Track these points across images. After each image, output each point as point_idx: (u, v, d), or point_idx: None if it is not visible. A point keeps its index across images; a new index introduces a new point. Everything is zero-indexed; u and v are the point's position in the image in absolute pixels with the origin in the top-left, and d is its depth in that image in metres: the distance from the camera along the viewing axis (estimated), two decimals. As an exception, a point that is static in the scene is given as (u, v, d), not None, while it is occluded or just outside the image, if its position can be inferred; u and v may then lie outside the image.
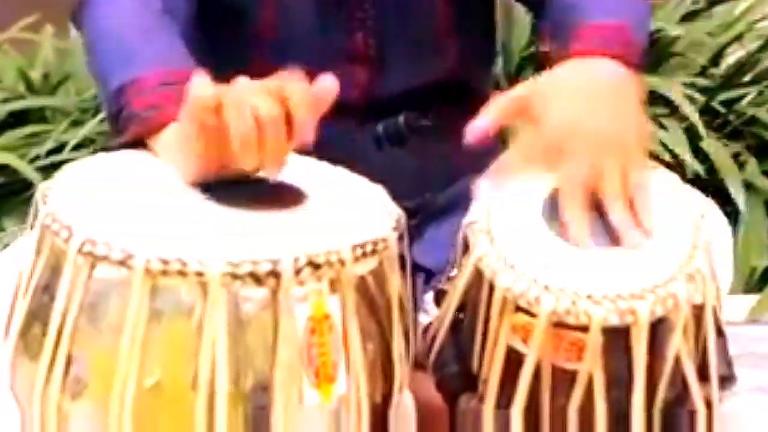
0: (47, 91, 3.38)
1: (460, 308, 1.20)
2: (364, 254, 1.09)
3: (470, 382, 1.17)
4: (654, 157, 2.72)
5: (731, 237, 1.41)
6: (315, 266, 1.06)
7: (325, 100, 1.12)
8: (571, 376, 1.12)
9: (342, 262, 1.07)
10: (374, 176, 1.21)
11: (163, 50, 1.25)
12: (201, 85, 1.10)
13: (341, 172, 1.21)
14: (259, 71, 1.41)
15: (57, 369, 1.07)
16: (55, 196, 1.11)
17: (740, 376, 1.16)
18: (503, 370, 1.14)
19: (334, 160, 1.23)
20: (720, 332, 1.19)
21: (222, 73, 1.43)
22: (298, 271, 1.05)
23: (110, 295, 1.06)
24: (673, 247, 1.15)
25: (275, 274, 1.04)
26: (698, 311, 1.15)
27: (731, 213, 2.84)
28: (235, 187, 1.14)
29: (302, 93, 1.10)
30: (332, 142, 1.37)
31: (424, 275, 1.41)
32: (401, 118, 1.29)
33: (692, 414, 1.15)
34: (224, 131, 1.09)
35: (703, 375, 1.16)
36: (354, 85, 1.42)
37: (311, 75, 1.41)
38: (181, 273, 1.03)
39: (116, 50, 1.26)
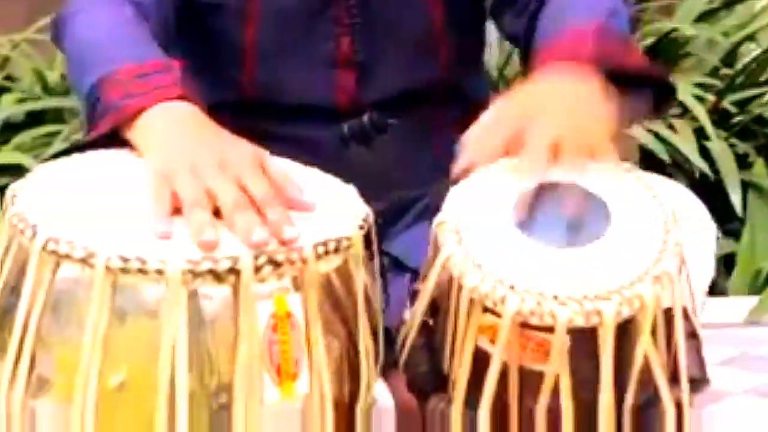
0: (64, 91, 3.41)
1: (433, 308, 1.20)
2: (327, 252, 1.10)
3: (441, 382, 1.17)
4: (656, 160, 2.76)
5: (716, 235, 1.40)
6: (276, 264, 1.06)
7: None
8: (538, 378, 1.12)
9: (304, 260, 1.08)
10: (351, 175, 1.21)
11: (136, 49, 1.26)
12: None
13: (314, 173, 1.22)
14: (247, 83, 1.43)
15: (21, 367, 1.08)
16: (23, 197, 1.12)
17: (736, 378, 1.16)
18: (471, 370, 1.14)
19: (316, 162, 1.23)
20: (693, 334, 1.19)
21: (211, 89, 1.45)
22: (258, 269, 1.06)
23: (73, 293, 1.07)
24: (641, 249, 1.14)
25: (235, 272, 1.05)
26: (668, 313, 1.15)
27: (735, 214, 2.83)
28: None
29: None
30: (319, 145, 1.38)
31: (410, 274, 1.42)
32: (365, 117, 1.29)
33: (662, 415, 1.14)
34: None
35: (675, 377, 1.16)
36: (341, 91, 1.43)
37: (298, 82, 1.43)
38: (142, 271, 1.04)
39: (90, 55, 1.29)
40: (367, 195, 1.22)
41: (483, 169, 1.22)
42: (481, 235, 1.15)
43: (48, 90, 3.42)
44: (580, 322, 1.09)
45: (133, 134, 1.19)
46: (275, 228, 1.07)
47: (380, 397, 1.22)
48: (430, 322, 1.20)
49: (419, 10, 1.44)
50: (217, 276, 1.05)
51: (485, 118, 1.23)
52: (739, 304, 2.66)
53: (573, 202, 1.18)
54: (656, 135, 2.89)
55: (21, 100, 3.39)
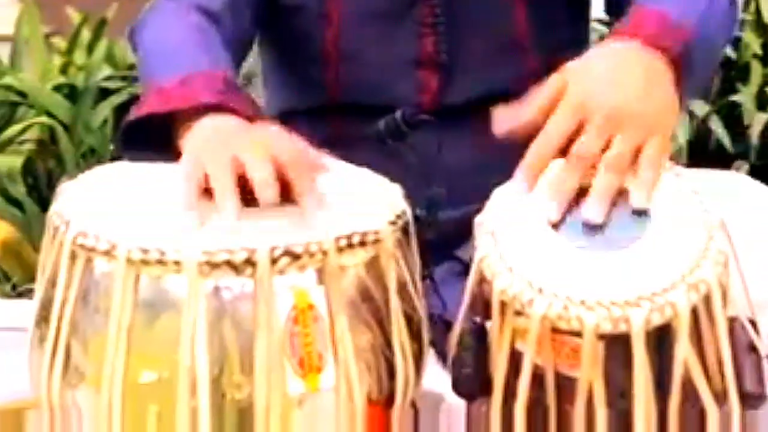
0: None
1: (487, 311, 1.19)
2: (351, 245, 1.10)
3: (485, 384, 1.16)
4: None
5: None
6: (294, 256, 1.07)
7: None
8: (575, 384, 1.09)
9: (324, 253, 1.08)
10: (433, 179, 1.21)
11: (187, 58, 1.29)
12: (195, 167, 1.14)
13: (361, 173, 1.22)
14: (330, 85, 1.44)
15: (58, 359, 1.11)
16: (65, 195, 1.16)
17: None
18: (511, 373, 1.12)
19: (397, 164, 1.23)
20: (753, 347, 1.13)
21: (298, 94, 1.47)
22: (275, 261, 1.06)
23: (100, 285, 1.09)
24: (678, 255, 1.10)
25: (251, 263, 1.06)
26: (733, 322, 1.10)
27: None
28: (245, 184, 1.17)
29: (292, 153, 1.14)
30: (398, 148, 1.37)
31: None
32: (398, 113, 1.29)
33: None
34: None
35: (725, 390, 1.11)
36: (424, 91, 1.42)
37: (380, 83, 1.43)
38: (160, 262, 1.06)
39: (148, 65, 1.33)
40: (447, 202, 1.21)
41: None
42: (516, 236, 1.13)
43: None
44: (607, 327, 1.06)
45: (180, 141, 1.22)
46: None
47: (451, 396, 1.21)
48: (487, 325, 1.18)
49: (503, 9, 1.43)
50: (234, 267, 1.06)
51: (540, 101, 1.20)
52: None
53: (613, 204, 1.14)
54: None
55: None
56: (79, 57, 3.66)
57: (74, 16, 3.97)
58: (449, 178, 1.38)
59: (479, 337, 1.17)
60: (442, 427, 1.20)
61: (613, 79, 1.18)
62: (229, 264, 1.06)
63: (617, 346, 1.07)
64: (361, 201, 1.16)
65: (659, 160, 1.16)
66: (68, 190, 1.17)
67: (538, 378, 1.11)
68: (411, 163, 1.25)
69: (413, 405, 1.18)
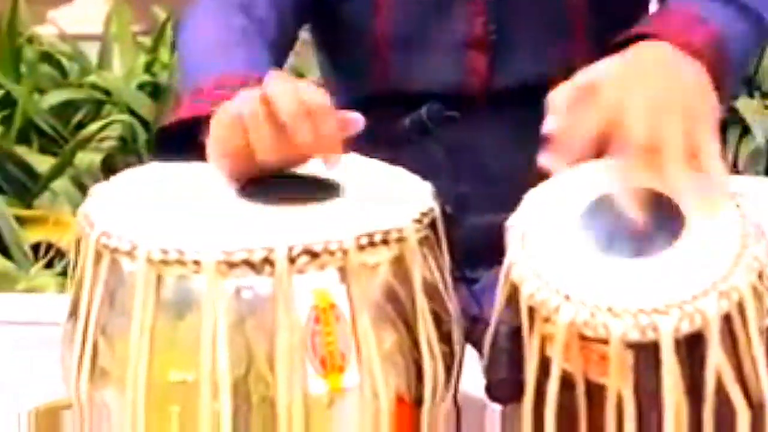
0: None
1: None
2: (372, 244, 1.08)
3: (519, 388, 1.14)
4: None
5: None
6: (313, 255, 1.06)
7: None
8: (605, 391, 1.06)
9: (344, 251, 1.07)
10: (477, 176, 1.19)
11: (225, 59, 1.29)
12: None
13: (393, 171, 1.21)
14: (378, 75, 1.43)
15: (86, 358, 1.12)
16: (94, 197, 1.16)
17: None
18: (540, 378, 1.10)
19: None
20: None
21: (346, 87, 1.46)
22: (293, 259, 1.06)
23: (124, 285, 1.10)
24: (711, 262, 1.07)
25: (270, 262, 1.06)
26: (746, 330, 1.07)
27: None
28: (275, 185, 1.16)
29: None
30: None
31: None
32: (423, 109, 1.27)
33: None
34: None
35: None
36: (473, 74, 1.41)
37: (428, 68, 1.41)
38: (180, 262, 1.06)
39: (187, 65, 1.33)
40: (491, 204, 1.20)
41: (567, 171, 1.17)
42: (546, 241, 1.11)
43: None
44: (634, 336, 1.03)
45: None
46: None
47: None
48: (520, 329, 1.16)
49: None
50: (252, 266, 1.06)
51: (573, 90, 1.18)
52: None
53: (647, 210, 1.12)
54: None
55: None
56: (164, 55, 3.70)
57: (161, 14, 4.02)
58: (492, 178, 1.36)
59: (513, 341, 1.15)
60: (488, 430, 1.18)
61: (645, 73, 1.16)
62: (248, 263, 1.06)
63: (648, 353, 1.05)
64: (387, 199, 1.15)
65: (711, 140, 1.13)
66: (99, 192, 1.18)
67: (568, 384, 1.08)
68: (440, 160, 1.24)
69: (455, 405, 1.16)
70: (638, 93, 1.16)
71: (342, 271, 1.08)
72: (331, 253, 1.07)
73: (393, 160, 1.22)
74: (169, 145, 1.26)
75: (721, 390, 1.06)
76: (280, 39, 1.39)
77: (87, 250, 1.12)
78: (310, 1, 1.44)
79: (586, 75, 1.19)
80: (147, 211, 1.13)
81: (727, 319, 1.05)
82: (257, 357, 1.07)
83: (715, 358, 1.04)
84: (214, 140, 1.16)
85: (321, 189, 1.16)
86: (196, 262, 1.06)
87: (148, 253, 1.07)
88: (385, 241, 1.09)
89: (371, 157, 1.23)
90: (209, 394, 1.06)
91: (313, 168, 1.20)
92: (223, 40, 1.34)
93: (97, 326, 1.11)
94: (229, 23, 1.35)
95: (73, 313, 1.14)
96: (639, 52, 1.21)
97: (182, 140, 1.23)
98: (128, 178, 1.21)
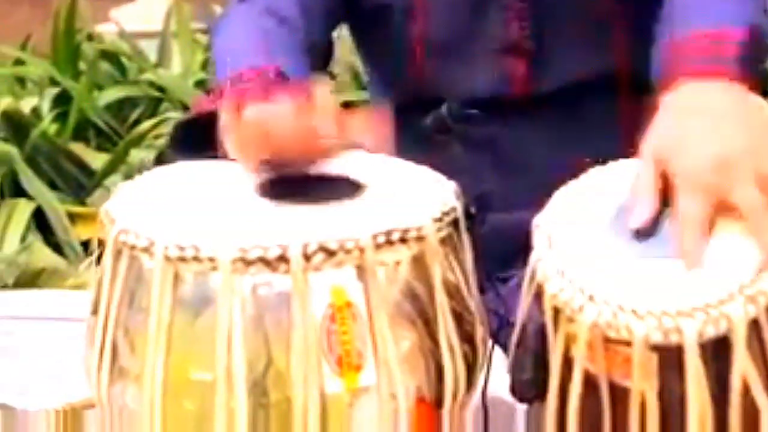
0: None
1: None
2: (390, 242, 1.07)
3: (543, 388, 1.12)
4: None
5: None
6: (329, 253, 1.05)
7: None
8: (629, 393, 1.04)
9: (361, 249, 1.06)
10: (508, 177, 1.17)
11: (254, 57, 1.29)
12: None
13: (418, 170, 1.20)
14: (415, 80, 1.43)
15: (105, 355, 1.12)
16: (118, 196, 1.17)
17: None
18: (564, 378, 1.08)
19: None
20: None
21: (378, 91, 1.45)
22: (308, 257, 1.05)
23: (142, 283, 1.10)
24: (739, 265, 1.04)
25: (285, 260, 1.05)
26: None
27: None
28: (297, 185, 1.16)
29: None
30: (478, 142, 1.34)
31: None
32: (444, 108, 1.26)
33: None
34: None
35: None
36: (511, 80, 1.40)
37: (465, 74, 1.40)
38: (196, 259, 1.06)
39: (218, 63, 1.33)
40: (524, 203, 1.19)
41: (596, 170, 1.16)
42: (572, 240, 1.09)
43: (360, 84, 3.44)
44: (657, 338, 1.01)
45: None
46: None
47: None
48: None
49: None
50: (268, 263, 1.05)
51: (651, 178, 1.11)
52: None
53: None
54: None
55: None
56: (221, 53, 3.70)
57: (220, 12, 4.02)
58: (525, 176, 1.35)
59: (538, 340, 1.14)
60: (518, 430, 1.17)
61: (699, 139, 1.10)
62: (263, 260, 1.05)
63: (673, 356, 1.02)
64: (409, 198, 1.14)
65: None
66: (123, 190, 1.18)
67: (592, 385, 1.07)
68: (462, 158, 1.22)
69: (484, 407, 1.15)
70: (692, 139, 1.10)
71: (359, 269, 1.07)
72: (348, 251, 1.06)
73: (420, 161, 1.21)
74: (184, 141, 1.26)
75: (747, 396, 1.04)
76: (310, 43, 1.39)
77: (107, 247, 1.12)
78: (342, 5, 1.43)
79: (650, 154, 1.12)
80: (167, 209, 1.13)
81: (754, 324, 1.03)
82: (280, 355, 1.06)
83: (742, 364, 1.02)
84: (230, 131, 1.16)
85: (344, 188, 1.16)
86: (212, 259, 1.06)
87: (165, 250, 1.07)
88: (403, 240, 1.08)
89: (399, 157, 1.23)
90: (225, 393, 1.05)
91: (337, 168, 1.20)
92: (249, 41, 1.34)
93: (116, 324, 1.11)
94: (256, 25, 1.36)
95: (95, 310, 1.14)
96: (684, 108, 1.14)
97: (199, 137, 1.24)
98: (154, 176, 1.21)
